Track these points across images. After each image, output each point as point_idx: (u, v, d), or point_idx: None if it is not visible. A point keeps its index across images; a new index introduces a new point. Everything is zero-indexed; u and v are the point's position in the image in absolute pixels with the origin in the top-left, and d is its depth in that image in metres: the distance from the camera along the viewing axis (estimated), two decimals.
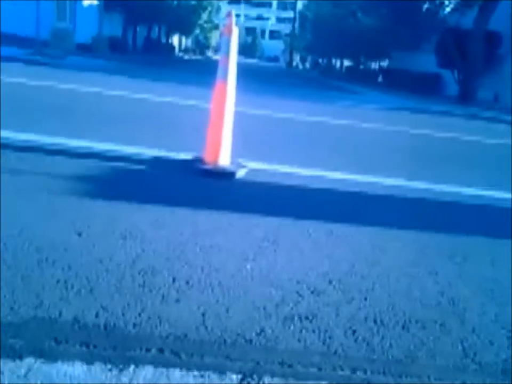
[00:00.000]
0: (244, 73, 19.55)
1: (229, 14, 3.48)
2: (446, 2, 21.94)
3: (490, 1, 17.02)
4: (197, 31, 44.45)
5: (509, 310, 1.97)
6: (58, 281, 1.74)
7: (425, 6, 21.43)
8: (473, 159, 6.21)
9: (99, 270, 1.86)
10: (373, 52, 31.53)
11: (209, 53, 60.15)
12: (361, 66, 37.25)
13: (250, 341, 1.55)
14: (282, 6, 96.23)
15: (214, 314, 1.67)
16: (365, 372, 1.49)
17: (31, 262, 1.86)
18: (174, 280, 1.87)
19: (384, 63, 35.52)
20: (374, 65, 36.79)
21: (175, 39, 46.93)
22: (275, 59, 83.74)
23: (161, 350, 1.44)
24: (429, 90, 21.35)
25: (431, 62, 21.92)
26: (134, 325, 1.55)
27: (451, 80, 20.76)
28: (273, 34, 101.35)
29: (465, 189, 4.08)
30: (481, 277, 2.29)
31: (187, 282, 1.87)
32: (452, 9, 21.83)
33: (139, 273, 1.88)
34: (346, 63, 41.22)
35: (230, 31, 3.46)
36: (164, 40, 39.53)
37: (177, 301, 1.73)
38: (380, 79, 31.43)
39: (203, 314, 1.66)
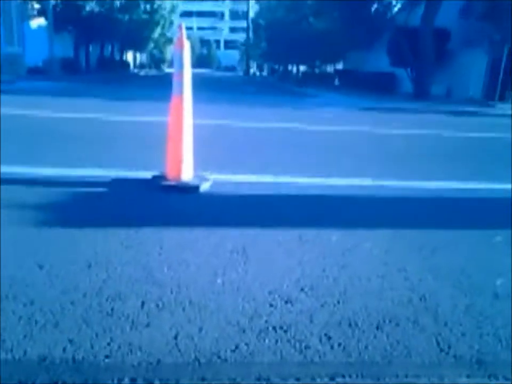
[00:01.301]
0: (201, 84, 19.48)
1: (179, 28, 3.46)
2: (394, 2, 22.55)
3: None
4: (151, 46, 44.20)
5: None
6: (20, 318, 1.67)
7: (374, 6, 21.95)
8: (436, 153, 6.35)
9: (64, 302, 1.80)
10: (328, 55, 32.09)
11: (165, 67, 59.89)
12: (317, 70, 37.83)
13: (225, 359, 1.52)
14: (235, 16, 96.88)
15: (186, 335, 1.64)
16: (343, 377, 1.48)
17: None
18: (143, 303, 1.82)
19: (339, 65, 36.18)
20: (330, 68, 37.43)
21: (129, 56, 46.56)
22: (232, 69, 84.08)
23: (134, 380, 1.39)
24: (385, 89, 21.84)
25: (385, 61, 22.45)
26: (104, 356, 1.50)
27: (405, 77, 21.30)
28: (228, 44, 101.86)
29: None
30: None
31: (157, 305, 1.82)
32: (400, 9, 22.46)
33: (106, 300, 1.83)
34: (302, 68, 41.75)
35: (181, 45, 3.44)
36: (118, 57, 39.16)
37: (148, 325, 1.68)
38: (336, 81, 31.96)
39: (175, 337, 1.62)
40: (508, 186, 4.10)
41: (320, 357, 1.58)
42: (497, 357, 1.63)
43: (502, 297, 2.05)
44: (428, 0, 17.76)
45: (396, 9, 23.01)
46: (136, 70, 45.58)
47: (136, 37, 34.83)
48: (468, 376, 1.52)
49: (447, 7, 18.64)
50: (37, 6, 22.53)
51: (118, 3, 25.15)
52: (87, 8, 22.59)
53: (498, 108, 15.49)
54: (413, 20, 19.39)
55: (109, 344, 1.56)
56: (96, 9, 23.36)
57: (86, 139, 5.57)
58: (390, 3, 22.51)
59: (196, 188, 3.49)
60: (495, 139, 8.02)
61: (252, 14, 52.90)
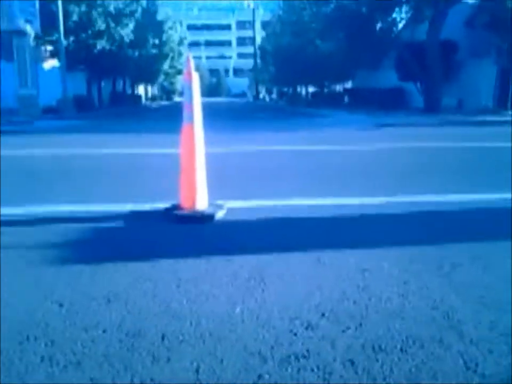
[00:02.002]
0: (211, 112, 19.72)
1: (187, 60, 3.53)
2: (398, 19, 22.71)
3: (439, 13, 17.66)
4: (162, 78, 44.98)
5: None
6: (42, 359, 1.67)
7: (379, 25, 22.13)
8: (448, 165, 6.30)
9: (84, 339, 1.80)
10: (336, 75, 32.26)
11: (176, 97, 60.80)
12: (326, 90, 38.01)
13: None
14: (242, 43, 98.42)
15: (208, 367, 1.62)
16: None
17: (12, 341, 1.78)
18: (163, 337, 1.82)
19: (348, 84, 36.34)
20: (339, 88, 37.59)
21: (140, 89, 47.41)
22: (242, 95, 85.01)
23: None
24: (395, 105, 21.86)
25: (393, 78, 22.54)
26: None
27: (415, 92, 21.31)
28: (237, 71, 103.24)
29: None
30: None
31: (177, 338, 1.81)
32: (405, 25, 22.60)
33: (126, 336, 1.83)
34: (312, 89, 42.02)
35: (190, 76, 3.50)
36: (129, 91, 39.90)
37: (169, 359, 1.67)
38: (345, 100, 32.07)
39: (197, 370, 1.60)
40: None
41: (344, 383, 1.54)
42: None
43: None
44: (433, 14, 17.87)
45: (400, 25, 23.15)
46: (148, 102, 46.35)
47: (147, 70, 35.51)
48: None
49: (453, 19, 18.71)
50: (49, 48, 23.19)
51: (127, 40, 25.74)
52: (98, 47, 23.15)
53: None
54: (419, 34, 19.49)
55: (131, 380, 1.55)
56: (107, 47, 23.94)
57: (100, 174, 5.65)
58: (394, 20, 22.67)
59: (211, 216, 3.50)
60: None
61: (258, 40, 53.73)
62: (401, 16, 22.81)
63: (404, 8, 21.51)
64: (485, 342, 1.77)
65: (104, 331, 1.86)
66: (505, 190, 4.31)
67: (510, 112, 16.61)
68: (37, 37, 19.42)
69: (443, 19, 17.86)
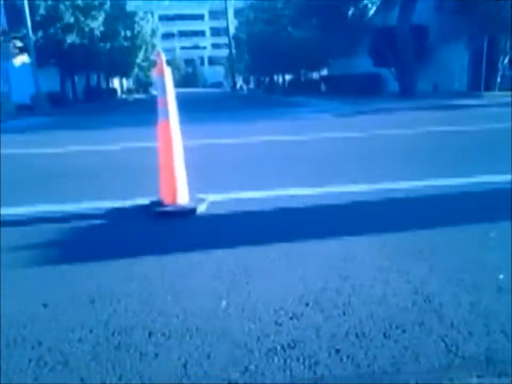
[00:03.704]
0: (187, 104, 19.54)
1: (157, 55, 3.50)
2: (369, 5, 22.80)
3: None
4: (136, 70, 44.42)
5: None
6: (30, 361, 1.68)
7: (351, 11, 22.19)
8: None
9: (71, 339, 1.80)
10: (311, 63, 32.33)
11: (153, 90, 60.13)
12: (303, 78, 38.06)
13: (236, 382, 1.53)
14: (216, 32, 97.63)
15: (195, 362, 1.64)
16: None
17: None
18: (150, 334, 1.83)
19: (324, 72, 36.44)
20: (315, 75, 37.66)
21: (115, 82, 46.81)
22: (219, 85, 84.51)
23: None
24: (371, 90, 22.00)
25: (368, 64, 22.66)
26: None
27: (390, 77, 21.49)
28: (213, 61, 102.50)
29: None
30: None
31: (163, 334, 1.83)
32: (376, 11, 22.72)
33: (113, 334, 1.83)
34: (288, 77, 42.02)
35: (162, 72, 3.47)
36: (104, 85, 39.39)
37: (157, 355, 1.69)
38: (322, 87, 32.17)
39: (184, 365, 1.62)
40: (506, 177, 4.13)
41: (330, 371, 1.58)
42: (506, 354, 1.64)
43: (506, 291, 2.06)
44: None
45: (372, 11, 23.25)
46: (124, 96, 45.81)
47: (120, 63, 35.04)
48: (478, 376, 1.53)
49: (422, 4, 18.89)
50: (18, 44, 22.68)
51: (98, 33, 25.32)
52: (68, 41, 22.75)
53: (485, 97, 15.64)
54: (391, 20, 19.62)
55: (120, 378, 1.56)
56: (77, 40, 23.53)
57: (78, 172, 5.59)
58: (366, 6, 22.77)
59: (193, 210, 3.51)
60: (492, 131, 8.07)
61: (232, 29, 53.39)
62: (372, 1, 22.93)
63: None
64: (464, 324, 1.83)
65: (90, 330, 1.87)
66: (489, 173, 4.39)
67: (483, 94, 16.88)
68: (4, 33, 18.97)
69: (413, 4, 18.01)
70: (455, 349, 1.68)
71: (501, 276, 2.21)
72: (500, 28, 16.49)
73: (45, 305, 2.09)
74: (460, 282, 2.17)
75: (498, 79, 18.25)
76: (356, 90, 22.38)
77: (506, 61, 18.24)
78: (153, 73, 4.25)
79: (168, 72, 3.50)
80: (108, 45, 29.35)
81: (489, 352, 1.66)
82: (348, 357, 1.65)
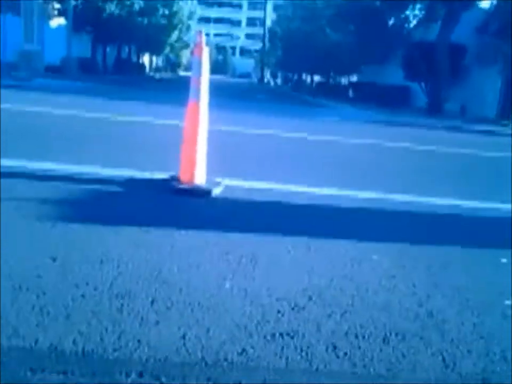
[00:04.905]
0: (216, 90, 19.64)
1: (199, 34, 3.50)
2: (411, 17, 22.60)
3: (453, 15, 17.59)
4: (168, 49, 44.51)
5: None
6: (33, 308, 1.70)
7: (391, 21, 22.00)
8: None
9: (75, 295, 1.83)
10: (342, 67, 32.09)
11: (180, 71, 60.32)
12: (331, 81, 37.85)
13: (232, 361, 1.54)
14: (252, 23, 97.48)
15: (194, 335, 1.65)
16: None
17: (4, 290, 1.81)
18: (152, 302, 1.85)
19: (354, 78, 36.20)
20: (344, 80, 37.44)
21: (145, 58, 46.92)
22: (247, 75, 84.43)
23: (141, 374, 1.41)
24: (398, 103, 21.82)
25: (399, 75, 22.46)
26: (113, 349, 1.52)
27: (418, 92, 21.28)
28: (244, 52, 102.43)
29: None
30: None
31: (165, 304, 1.84)
32: (417, 24, 22.50)
33: (116, 297, 1.85)
34: (317, 78, 41.82)
35: (200, 51, 3.48)
36: (134, 60, 39.50)
37: (157, 323, 1.70)
38: (350, 93, 31.96)
39: (183, 336, 1.64)
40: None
41: (325, 365, 1.58)
42: (503, 377, 1.63)
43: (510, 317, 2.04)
44: (447, 14, 17.79)
45: (412, 24, 23.05)
46: (152, 73, 45.93)
47: (154, 40, 35.10)
48: None
49: (464, 23, 18.64)
50: (57, 6, 22.84)
51: (137, 6, 25.40)
52: (107, 11, 22.87)
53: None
54: (430, 35, 19.40)
55: (118, 338, 1.58)
56: (116, 11, 23.64)
57: (102, 139, 5.64)
58: (407, 18, 22.56)
59: (208, 192, 3.52)
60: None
61: (268, 23, 53.23)
62: (414, 14, 22.71)
63: (418, 6, 21.39)
64: (465, 343, 1.82)
65: (95, 289, 1.89)
66: (502, 200, 4.36)
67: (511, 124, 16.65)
68: None
69: (456, 21, 17.80)
70: (453, 365, 1.67)
71: (508, 302, 2.19)
72: None
73: (53, 259, 2.12)
74: (467, 302, 2.16)
75: None
76: (384, 101, 22.18)
77: None
78: (189, 53, 4.26)
79: (206, 52, 3.50)
80: (145, 20, 29.39)
81: (486, 373, 1.65)
82: (345, 354, 1.65)
